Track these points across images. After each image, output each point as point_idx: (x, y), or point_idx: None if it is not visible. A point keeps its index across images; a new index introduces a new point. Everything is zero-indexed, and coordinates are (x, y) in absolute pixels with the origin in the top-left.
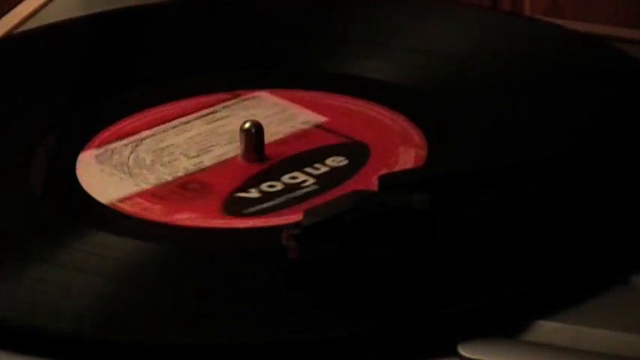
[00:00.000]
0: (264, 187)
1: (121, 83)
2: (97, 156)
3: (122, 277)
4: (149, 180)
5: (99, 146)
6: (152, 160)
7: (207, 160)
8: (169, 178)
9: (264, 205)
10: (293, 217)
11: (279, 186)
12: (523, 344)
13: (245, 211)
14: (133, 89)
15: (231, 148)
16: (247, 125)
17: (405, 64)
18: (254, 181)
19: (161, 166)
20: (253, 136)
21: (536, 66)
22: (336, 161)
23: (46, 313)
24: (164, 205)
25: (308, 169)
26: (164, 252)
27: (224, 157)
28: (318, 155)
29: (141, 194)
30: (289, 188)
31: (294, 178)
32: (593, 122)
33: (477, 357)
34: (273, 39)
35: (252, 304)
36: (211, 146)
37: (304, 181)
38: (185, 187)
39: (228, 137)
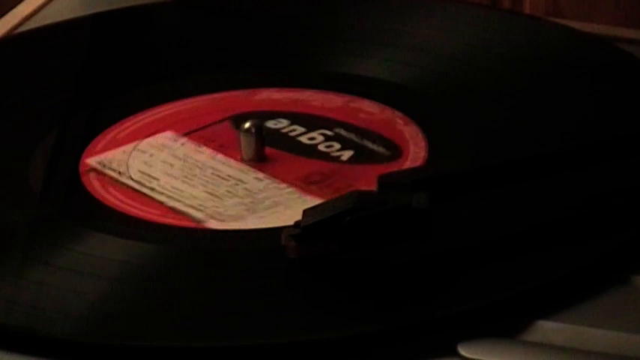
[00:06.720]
0: None
1: (121, 83)
2: None
3: (121, 278)
4: None
5: None
6: None
7: None
8: None
9: None
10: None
11: None
12: (523, 344)
13: None
14: (134, 89)
15: None
16: (247, 125)
17: (405, 63)
18: None
19: None
20: (253, 136)
21: (536, 65)
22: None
23: (46, 315)
24: None
25: None
26: (164, 253)
27: None
28: None
29: None
30: None
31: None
32: (593, 122)
33: (476, 357)
34: (274, 38)
35: (252, 304)
36: None
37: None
38: None
39: None
